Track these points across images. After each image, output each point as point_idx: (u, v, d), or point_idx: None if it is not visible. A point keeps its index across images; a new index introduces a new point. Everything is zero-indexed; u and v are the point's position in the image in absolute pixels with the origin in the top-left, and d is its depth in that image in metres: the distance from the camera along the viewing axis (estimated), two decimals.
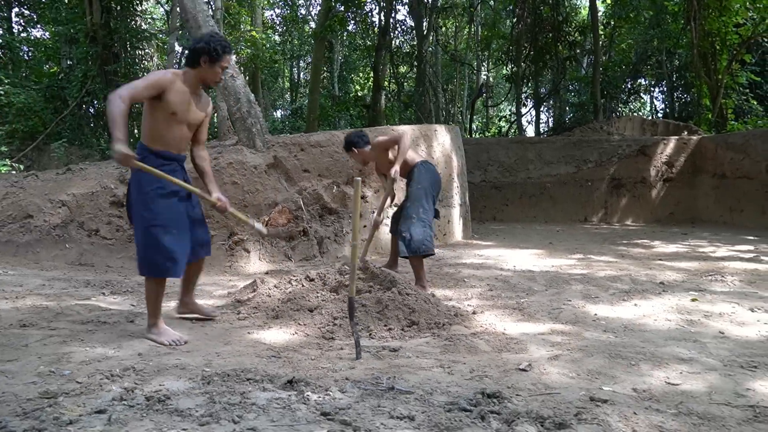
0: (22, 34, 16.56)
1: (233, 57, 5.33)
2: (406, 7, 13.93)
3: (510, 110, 14.96)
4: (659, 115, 20.03)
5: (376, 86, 13.77)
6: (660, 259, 5.82)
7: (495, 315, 3.65)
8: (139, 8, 13.96)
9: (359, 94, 14.63)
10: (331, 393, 2.28)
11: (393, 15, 13.30)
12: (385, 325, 3.27)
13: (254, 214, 5.32)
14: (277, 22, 24.72)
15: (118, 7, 12.33)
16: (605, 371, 2.60)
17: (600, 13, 15.52)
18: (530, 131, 21.14)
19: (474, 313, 3.70)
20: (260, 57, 19.12)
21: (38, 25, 17.00)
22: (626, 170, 10.60)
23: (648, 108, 21.42)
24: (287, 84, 27.91)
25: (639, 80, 18.68)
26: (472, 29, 16.04)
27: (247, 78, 24.53)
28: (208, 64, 3.03)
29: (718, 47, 14.46)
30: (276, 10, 25.21)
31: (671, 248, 6.78)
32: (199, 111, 3.08)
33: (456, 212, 7.11)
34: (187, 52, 3.07)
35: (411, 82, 15.61)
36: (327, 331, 3.19)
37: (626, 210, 10.65)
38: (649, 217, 10.59)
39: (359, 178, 2.72)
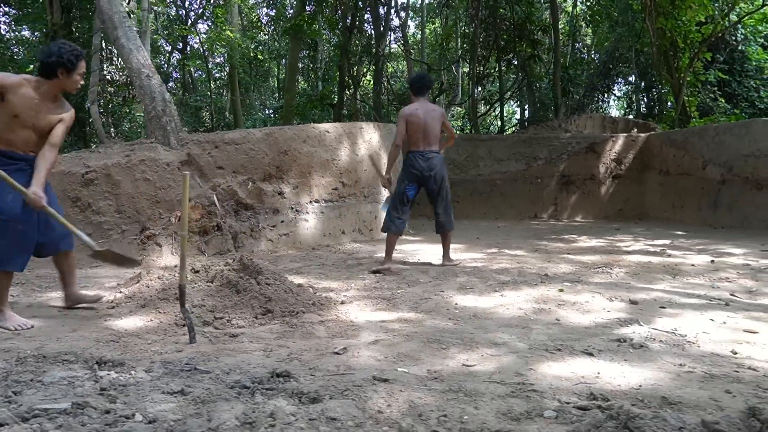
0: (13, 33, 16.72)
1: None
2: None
3: (476, 108, 15.14)
4: (629, 112, 20.21)
5: (342, 85, 13.91)
6: (568, 253, 5.98)
7: (360, 305, 3.81)
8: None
9: (326, 93, 14.74)
10: (133, 373, 2.43)
11: (358, 15, 13.43)
12: (241, 313, 3.43)
13: (166, 210, 5.47)
14: (264, 22, 24.88)
15: (79, 8, 12.46)
16: (413, 354, 2.75)
17: (567, 12, 15.74)
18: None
19: (342, 303, 3.86)
20: (234, 56, 19.27)
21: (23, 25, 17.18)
22: (576, 167, 10.75)
23: (622, 105, 21.58)
24: (277, 83, 28.04)
25: (609, 78, 18.85)
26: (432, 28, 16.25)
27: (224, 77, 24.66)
28: (65, 75, 3.18)
29: (681, 45, 14.63)
30: (264, 9, 25.41)
31: (591, 243, 6.94)
32: (52, 116, 3.19)
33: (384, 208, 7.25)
34: (39, 64, 3.17)
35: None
36: (181, 319, 3.34)
37: (576, 206, 10.81)
38: (598, 213, 10.75)
39: (187, 173, 2.87)
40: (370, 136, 6.99)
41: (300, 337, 3.08)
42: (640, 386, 2.32)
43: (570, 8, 15.62)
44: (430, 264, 5.26)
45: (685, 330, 3.14)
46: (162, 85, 5.75)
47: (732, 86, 18.31)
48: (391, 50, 14.85)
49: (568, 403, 2.15)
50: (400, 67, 20.20)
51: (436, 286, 4.35)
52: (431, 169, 5.20)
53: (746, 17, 14.62)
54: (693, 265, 5.17)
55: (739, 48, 18.34)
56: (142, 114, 18.95)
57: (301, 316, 3.44)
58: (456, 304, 3.80)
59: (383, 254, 5.55)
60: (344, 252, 6.00)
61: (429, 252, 6.03)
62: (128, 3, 13.12)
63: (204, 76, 20.77)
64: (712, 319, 3.34)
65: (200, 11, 24.35)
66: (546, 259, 5.55)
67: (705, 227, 8.49)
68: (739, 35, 18.25)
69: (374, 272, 4.87)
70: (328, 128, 6.54)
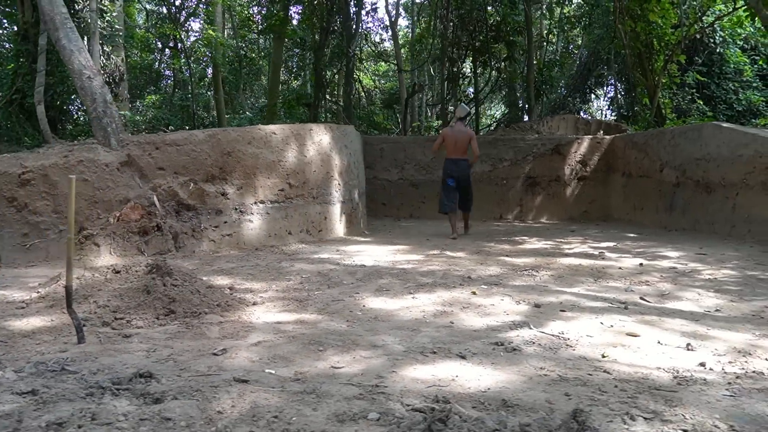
0: None
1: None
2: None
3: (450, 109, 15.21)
4: (611, 114, 20.30)
5: (318, 85, 13.96)
6: (507, 256, 6.05)
7: (270, 306, 3.87)
8: (78, 7, 14.10)
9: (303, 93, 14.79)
10: (1, 373, 2.50)
11: (331, 16, 13.48)
12: (143, 313, 3.49)
13: (105, 210, 5.53)
14: (258, 20, 24.93)
15: None
16: (288, 356, 2.82)
17: (544, 15, 15.83)
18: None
19: (254, 304, 3.93)
20: (216, 56, 19.31)
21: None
22: (541, 169, 10.83)
23: (603, 107, 21.70)
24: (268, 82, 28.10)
25: (589, 80, 18.93)
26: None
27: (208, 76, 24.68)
28: None
29: (657, 47, 14.70)
30: (255, 8, 25.45)
31: (538, 245, 7.01)
32: None
33: (335, 209, 7.32)
34: None
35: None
36: (82, 319, 3.40)
37: (541, 208, 10.88)
38: (563, 214, 10.83)
39: (73, 176, 2.92)
40: (320, 138, 7.05)
41: (191, 338, 3.14)
42: (489, 389, 2.39)
43: (547, 12, 15.69)
44: (362, 266, 5.32)
45: (571, 333, 3.21)
46: (104, 86, 5.80)
47: (711, 88, 18.41)
48: (362, 51, 14.87)
49: (408, 405, 2.22)
50: (379, 68, 20.33)
51: (355, 288, 4.42)
52: (458, 171, 8.02)
53: (717, 20, 14.70)
54: (620, 268, 5.25)
55: (718, 50, 18.43)
56: (126, 113, 19.03)
57: (202, 317, 3.50)
58: (363, 306, 3.87)
59: (325, 254, 5.73)
60: (285, 253, 6.06)
61: (370, 254, 6.10)
62: (100, 1, 13.21)
63: (192, 74, 20.79)
64: (602, 323, 3.42)
65: (192, 9, 24.43)
66: (480, 262, 5.62)
67: (660, 229, 8.58)
68: (717, 38, 18.34)
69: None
70: (275, 130, 6.60)
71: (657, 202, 9.05)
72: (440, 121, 15.72)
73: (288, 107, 14.42)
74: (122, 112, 19.01)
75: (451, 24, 12.84)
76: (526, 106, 14.09)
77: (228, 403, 2.22)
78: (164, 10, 23.24)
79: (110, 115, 5.65)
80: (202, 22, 25.78)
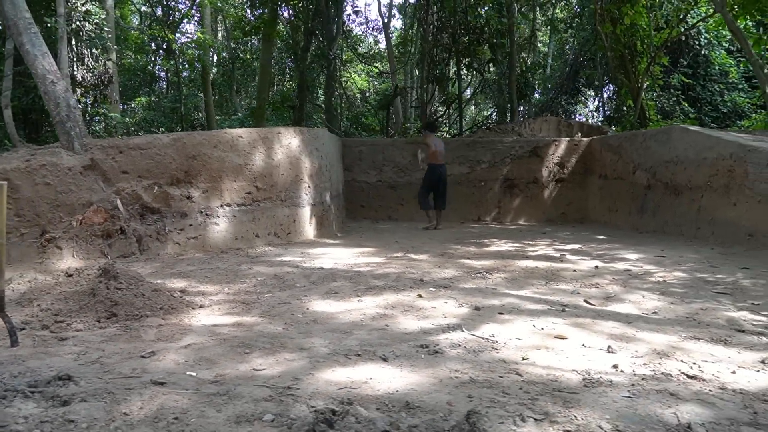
0: None
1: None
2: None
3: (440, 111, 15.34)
4: (598, 115, 20.40)
5: (300, 88, 14.02)
6: (468, 258, 6.11)
7: (215, 309, 3.93)
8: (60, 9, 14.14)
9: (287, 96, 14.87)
10: None
11: (315, 19, 13.54)
12: (84, 316, 3.55)
13: (67, 214, 5.58)
14: (251, 21, 25.03)
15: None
16: (214, 358, 2.87)
17: (526, 17, 15.91)
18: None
19: (201, 307, 3.99)
20: (203, 58, 19.37)
21: None
22: (519, 171, 10.90)
23: (591, 108, 21.80)
24: None
25: (577, 81, 19.03)
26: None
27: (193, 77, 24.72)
28: None
29: (640, 49, 14.79)
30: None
31: (504, 247, 7.08)
32: None
33: (305, 212, 7.38)
34: None
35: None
36: (22, 322, 3.46)
37: (519, 210, 10.96)
38: (541, 216, 10.90)
39: (4, 183, 2.98)
40: (288, 141, 7.11)
41: (125, 340, 3.20)
42: (397, 391, 2.45)
43: (540, 13, 15.79)
44: (321, 269, 5.38)
45: (501, 336, 3.27)
46: (67, 90, 5.86)
47: (696, 90, 18.50)
48: (344, 53, 14.94)
49: (313, 407, 2.28)
50: (373, 70, 20.38)
51: (305, 291, 4.48)
52: (443, 175, 9.51)
53: (699, 22, 14.79)
54: (575, 270, 5.31)
55: (703, 52, 18.53)
56: (115, 114, 19.08)
57: (144, 320, 3.56)
58: (307, 309, 3.92)
59: (289, 257, 5.85)
60: (250, 256, 6.12)
61: (333, 257, 6.16)
62: (84, 4, 13.24)
63: (179, 75, 20.91)
64: (534, 326, 3.48)
65: (183, 12, 24.51)
66: (439, 264, 5.68)
67: (632, 231, 8.65)
68: (702, 40, 18.44)
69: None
70: (242, 133, 6.66)
71: (630, 204, 9.13)
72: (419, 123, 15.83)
73: (274, 109, 14.48)
74: (112, 114, 19.10)
75: (431, 26, 12.92)
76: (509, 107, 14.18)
77: (137, 405, 2.28)
78: (158, 12, 23.35)
79: (74, 119, 5.70)
80: (196, 23, 25.91)
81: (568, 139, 11.20)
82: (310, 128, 7.91)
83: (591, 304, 4.09)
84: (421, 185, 9.68)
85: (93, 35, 17.25)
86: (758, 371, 2.75)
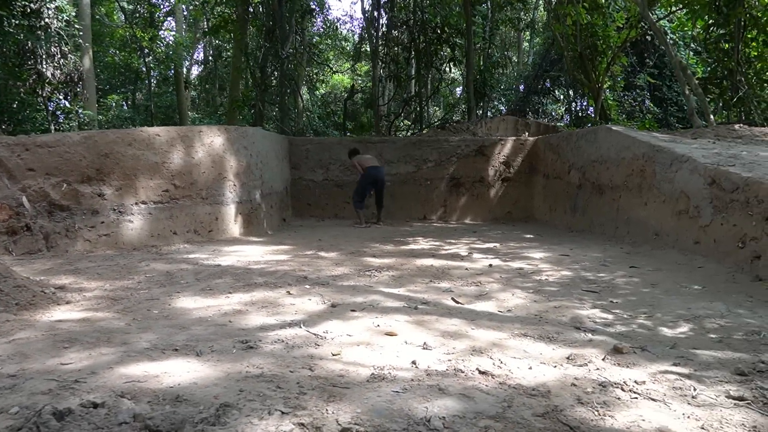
0: None
1: None
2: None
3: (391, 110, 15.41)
4: (567, 115, 20.50)
5: (256, 86, 14.07)
6: (375, 257, 6.18)
7: (79, 305, 3.98)
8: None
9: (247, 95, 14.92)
10: None
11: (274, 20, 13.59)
12: None
13: None
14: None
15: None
16: (30, 353, 2.90)
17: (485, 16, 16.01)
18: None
19: (67, 303, 4.04)
20: (175, 57, 19.43)
21: None
22: (465, 169, 10.98)
23: (560, 108, 21.89)
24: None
25: (542, 81, 19.13)
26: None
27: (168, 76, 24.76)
28: None
29: (601, 48, 14.88)
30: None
31: (422, 246, 7.15)
32: None
33: (229, 210, 7.43)
34: None
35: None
36: None
37: (465, 208, 11.03)
38: (487, 215, 10.98)
39: None
40: (211, 140, 7.16)
41: None
42: (178, 385, 2.50)
43: (489, 14, 15.90)
44: (218, 266, 5.44)
45: (334, 333, 3.34)
46: None
47: (662, 90, 18.61)
48: (296, 54, 15.00)
49: (88, 400, 2.34)
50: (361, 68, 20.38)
51: (184, 288, 4.53)
52: (380, 176, 9.95)
53: (659, 22, 14.86)
54: (467, 269, 5.39)
55: None
56: (89, 112, 19.09)
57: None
58: (168, 305, 3.98)
59: (197, 254, 5.97)
60: (159, 253, 6.18)
61: (242, 254, 6.21)
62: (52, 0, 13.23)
63: (149, 72, 20.95)
64: (374, 323, 3.54)
65: (167, 10, 24.56)
66: (339, 263, 5.74)
67: (565, 230, 8.74)
68: (668, 39, 18.49)
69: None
70: (159, 132, 6.71)
71: (565, 203, 9.22)
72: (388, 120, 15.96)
73: (236, 107, 14.54)
74: (85, 112, 19.13)
75: (383, 26, 13.00)
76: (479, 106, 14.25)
77: None
78: (141, 10, 23.39)
79: None
80: (170, 22, 25.95)
81: (514, 138, 11.27)
82: (238, 126, 7.96)
83: (458, 303, 4.16)
84: (357, 187, 10.12)
85: (62, 32, 17.29)
86: (555, 367, 2.82)
